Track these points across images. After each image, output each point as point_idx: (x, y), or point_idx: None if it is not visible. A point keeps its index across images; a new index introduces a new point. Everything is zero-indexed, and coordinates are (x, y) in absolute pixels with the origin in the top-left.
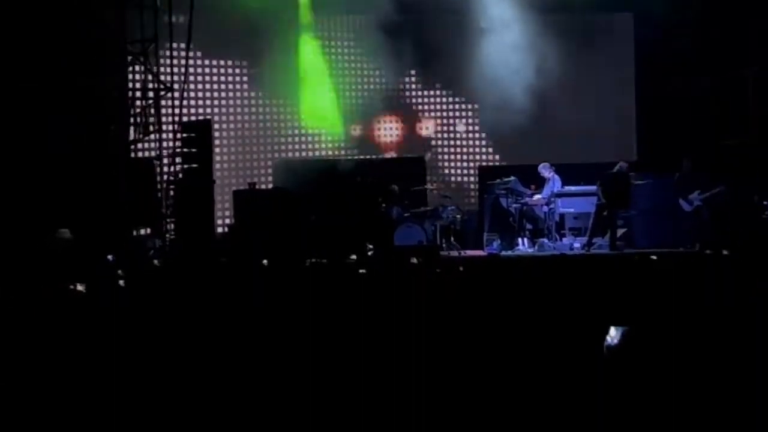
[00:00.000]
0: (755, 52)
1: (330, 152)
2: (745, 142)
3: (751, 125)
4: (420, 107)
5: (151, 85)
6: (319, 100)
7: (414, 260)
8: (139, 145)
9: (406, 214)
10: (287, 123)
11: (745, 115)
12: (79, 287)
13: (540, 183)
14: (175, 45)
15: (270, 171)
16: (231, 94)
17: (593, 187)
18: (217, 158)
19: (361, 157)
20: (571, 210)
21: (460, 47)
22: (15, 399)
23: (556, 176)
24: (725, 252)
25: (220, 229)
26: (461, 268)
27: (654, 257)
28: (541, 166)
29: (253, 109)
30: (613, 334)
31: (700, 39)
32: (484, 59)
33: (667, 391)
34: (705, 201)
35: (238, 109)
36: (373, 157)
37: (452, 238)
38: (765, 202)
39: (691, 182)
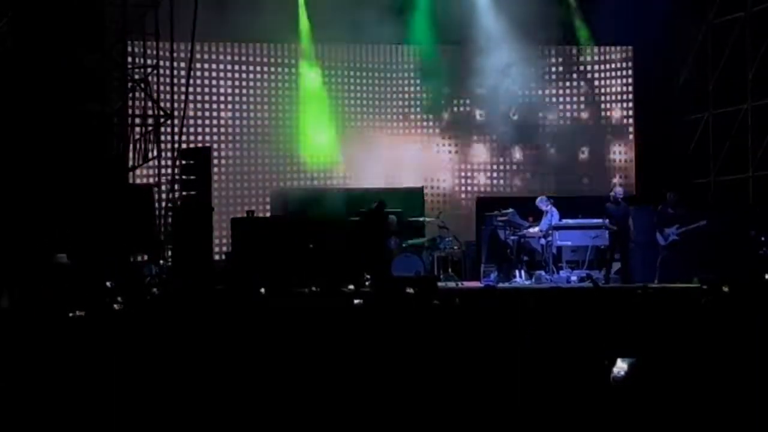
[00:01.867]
0: (755, 87)
1: (328, 181)
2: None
3: (751, 160)
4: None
5: (151, 112)
6: (318, 128)
7: (410, 290)
8: (138, 172)
9: (403, 245)
10: (285, 152)
11: (744, 150)
12: (78, 313)
13: (537, 216)
14: (175, 72)
15: (268, 199)
16: (230, 122)
17: (591, 220)
18: (215, 185)
19: (360, 187)
20: (569, 243)
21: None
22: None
23: (554, 209)
24: (724, 288)
25: (217, 257)
26: (457, 300)
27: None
28: (539, 199)
29: (252, 137)
30: (621, 366)
31: (700, 73)
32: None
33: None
34: (682, 235)
35: (237, 137)
36: (372, 188)
37: (450, 269)
38: (763, 238)
39: (672, 216)
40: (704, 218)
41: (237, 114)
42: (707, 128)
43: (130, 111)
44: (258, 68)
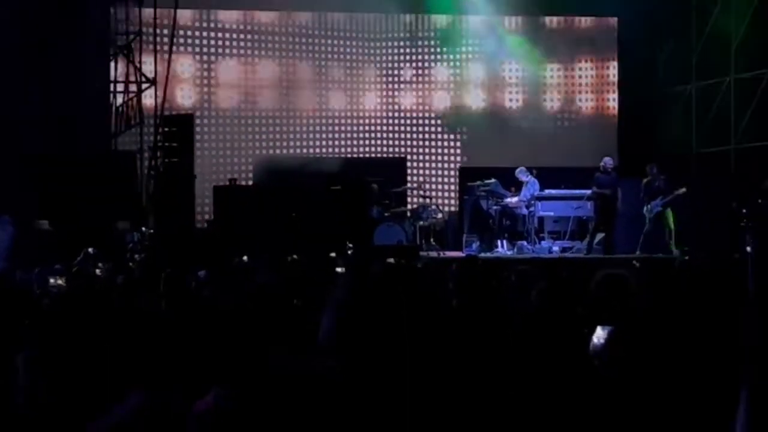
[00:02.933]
0: (738, 60)
1: (312, 149)
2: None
3: (733, 132)
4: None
5: (134, 78)
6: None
7: (391, 260)
8: (121, 138)
9: (386, 214)
10: (270, 119)
11: (726, 122)
12: (59, 281)
13: (519, 187)
14: (158, 39)
15: (251, 168)
16: (214, 89)
17: (574, 191)
18: (198, 153)
19: (342, 156)
20: (551, 213)
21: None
22: None
23: (534, 180)
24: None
25: (199, 225)
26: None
27: (635, 262)
28: (518, 170)
29: (236, 105)
30: (600, 334)
31: (684, 46)
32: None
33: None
34: (665, 206)
35: (221, 104)
36: (354, 156)
37: (432, 239)
38: (744, 210)
39: (657, 189)
40: (683, 187)
41: (221, 82)
42: (690, 101)
43: (112, 77)
44: (242, 36)
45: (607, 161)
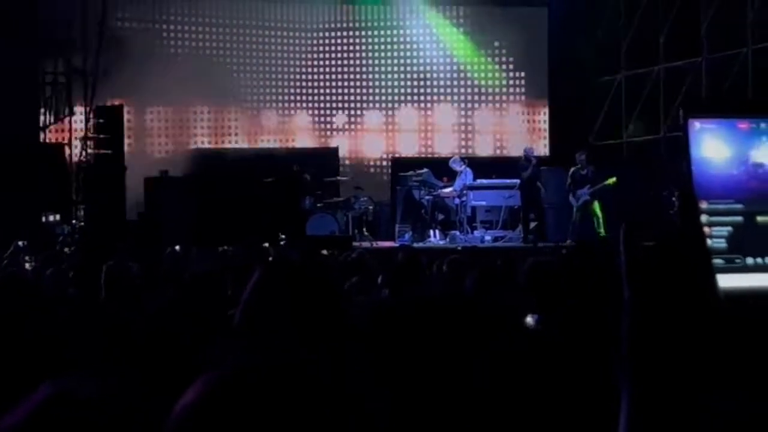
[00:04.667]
0: (667, 49)
1: (244, 142)
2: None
3: (663, 120)
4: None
5: (63, 70)
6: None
7: (324, 252)
8: (50, 130)
9: (318, 204)
10: (203, 111)
11: (656, 111)
12: None
13: (451, 177)
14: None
15: (182, 159)
16: (145, 79)
17: (505, 181)
18: (129, 144)
19: (275, 147)
20: (483, 203)
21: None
22: None
23: (468, 169)
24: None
25: (130, 217)
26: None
27: (564, 251)
28: (452, 160)
29: (167, 96)
30: (529, 321)
31: (613, 35)
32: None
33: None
34: (593, 194)
35: (152, 95)
36: (287, 147)
37: (364, 229)
38: (674, 199)
39: (583, 177)
40: (614, 176)
41: (151, 72)
42: (620, 89)
43: (41, 69)
44: (173, 27)
45: (528, 150)
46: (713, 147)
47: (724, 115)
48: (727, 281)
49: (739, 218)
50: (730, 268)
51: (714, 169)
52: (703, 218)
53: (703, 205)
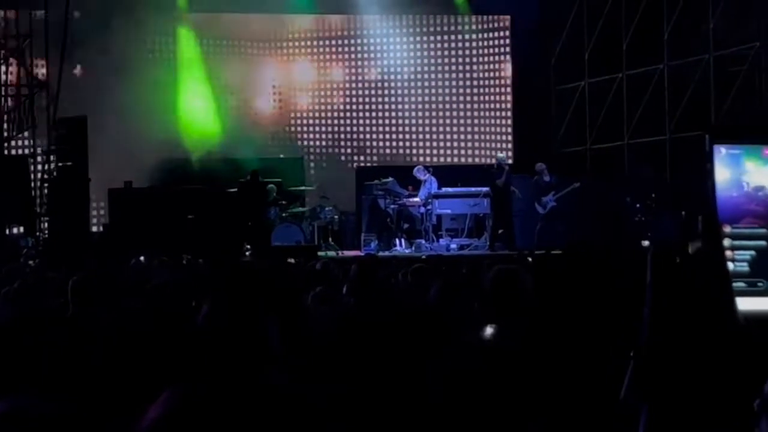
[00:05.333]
0: (629, 56)
1: (207, 152)
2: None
3: (626, 128)
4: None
5: (25, 82)
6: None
7: (291, 260)
8: (13, 143)
9: (284, 214)
10: (165, 122)
11: (620, 118)
12: None
13: (416, 185)
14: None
15: (146, 170)
16: (107, 91)
17: (470, 189)
18: (92, 156)
19: (239, 157)
20: (448, 211)
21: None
22: None
23: (432, 178)
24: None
25: (95, 228)
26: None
27: (530, 258)
28: (416, 169)
29: (130, 107)
30: (488, 332)
31: (576, 42)
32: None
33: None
34: (559, 200)
35: (115, 107)
36: (252, 157)
37: (330, 239)
38: (638, 205)
39: (547, 184)
40: (577, 182)
41: (115, 84)
42: (583, 97)
43: (3, 81)
44: (134, 37)
45: (501, 159)
46: (738, 172)
47: (751, 141)
48: (749, 304)
49: (763, 243)
50: (753, 292)
51: (738, 194)
52: (726, 242)
53: (727, 229)
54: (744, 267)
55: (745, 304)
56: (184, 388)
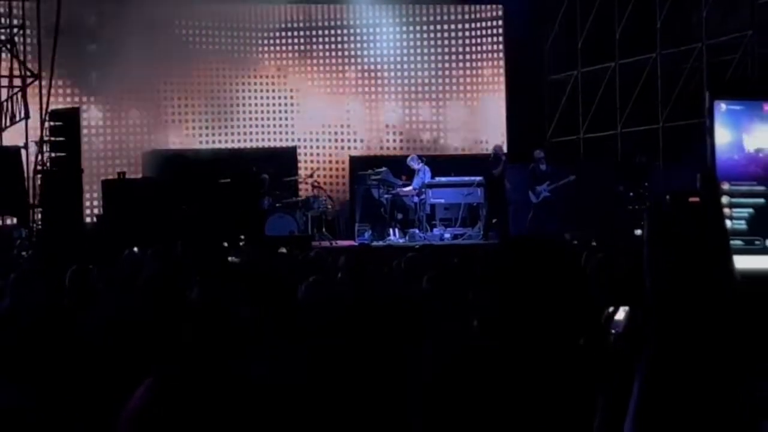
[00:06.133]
0: (622, 45)
1: (202, 142)
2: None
3: (619, 117)
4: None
5: (18, 73)
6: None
7: (283, 250)
8: (6, 134)
9: (277, 204)
10: (158, 113)
11: (612, 107)
12: None
13: (410, 175)
14: (43, 32)
15: (140, 161)
16: (100, 82)
17: (464, 178)
18: (86, 147)
19: (233, 147)
20: (442, 201)
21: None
22: None
23: (426, 167)
24: (593, 243)
25: (88, 219)
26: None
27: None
28: (409, 158)
29: (124, 98)
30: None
31: (569, 32)
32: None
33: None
34: (553, 192)
35: (108, 98)
36: (245, 147)
37: (324, 229)
38: (631, 194)
39: (542, 173)
40: (573, 174)
41: (108, 75)
42: (576, 86)
43: None
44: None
45: (497, 148)
46: (738, 132)
47: (751, 98)
48: (746, 263)
49: (761, 200)
50: (750, 250)
51: (737, 151)
52: (724, 199)
53: (725, 186)
54: (742, 225)
55: (742, 262)
56: (162, 379)
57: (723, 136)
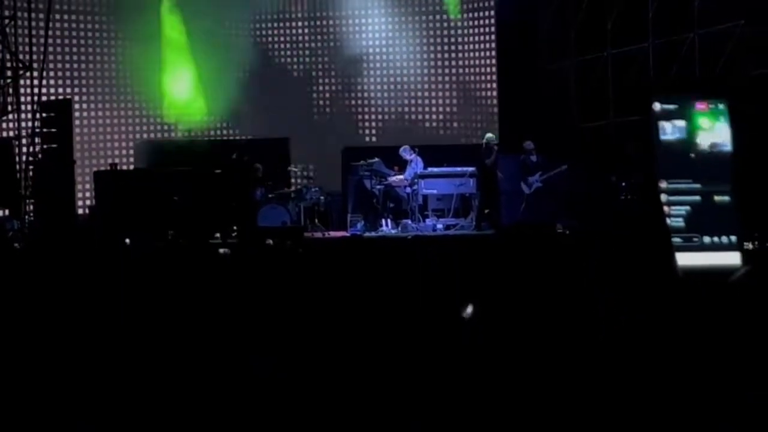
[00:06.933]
0: (614, 35)
1: (194, 132)
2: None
3: (612, 107)
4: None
5: (9, 64)
6: (181, 82)
7: (270, 241)
8: None
9: (269, 195)
10: (150, 103)
11: (605, 97)
12: None
13: (402, 165)
14: (34, 23)
15: (132, 152)
16: (92, 73)
17: (456, 169)
18: (77, 139)
19: (225, 138)
20: (434, 191)
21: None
22: None
23: (418, 158)
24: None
25: (81, 210)
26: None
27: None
28: (402, 149)
29: (115, 89)
30: (468, 311)
31: (562, 22)
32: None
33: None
34: (545, 182)
35: (99, 89)
36: (237, 138)
37: (316, 219)
38: (623, 183)
39: (534, 164)
40: (564, 163)
41: (98, 65)
42: (569, 76)
43: None
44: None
45: (490, 138)
46: (673, 127)
47: (685, 96)
48: (685, 259)
49: (698, 198)
50: (688, 247)
51: (674, 149)
52: (663, 197)
53: (663, 184)
54: (680, 222)
55: (681, 259)
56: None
57: (661, 134)
